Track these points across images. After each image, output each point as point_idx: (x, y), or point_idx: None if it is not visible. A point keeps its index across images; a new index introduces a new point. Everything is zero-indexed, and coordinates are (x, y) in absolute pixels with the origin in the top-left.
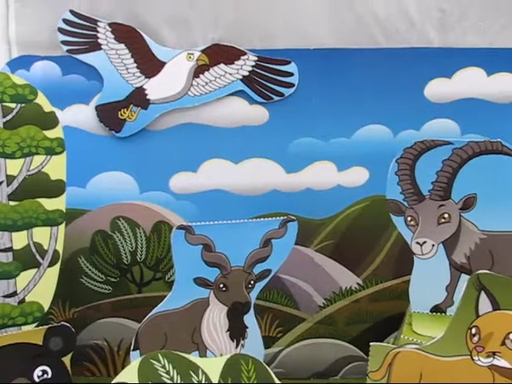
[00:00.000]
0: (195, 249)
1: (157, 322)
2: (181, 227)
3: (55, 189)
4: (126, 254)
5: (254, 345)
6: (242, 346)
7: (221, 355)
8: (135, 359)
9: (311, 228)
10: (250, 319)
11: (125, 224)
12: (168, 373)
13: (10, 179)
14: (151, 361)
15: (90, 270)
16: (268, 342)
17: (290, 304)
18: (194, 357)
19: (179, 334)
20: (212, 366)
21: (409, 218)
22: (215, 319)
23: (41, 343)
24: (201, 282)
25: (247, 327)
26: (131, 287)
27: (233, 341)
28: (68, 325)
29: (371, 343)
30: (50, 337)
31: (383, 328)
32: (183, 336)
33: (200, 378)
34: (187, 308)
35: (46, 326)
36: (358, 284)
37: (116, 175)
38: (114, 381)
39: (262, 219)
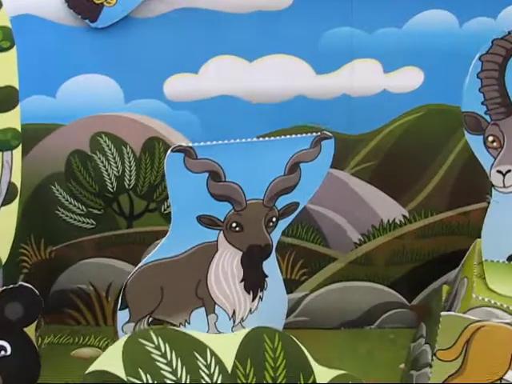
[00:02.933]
0: (198, 178)
1: (150, 274)
2: (178, 149)
3: (4, 100)
4: (110, 179)
5: (274, 297)
6: (260, 298)
7: (233, 311)
8: (124, 320)
9: (347, 146)
10: (270, 265)
11: (108, 142)
12: (164, 356)
13: None
14: (141, 341)
15: (66, 200)
16: (290, 285)
17: (317, 240)
18: (200, 333)
19: (179, 288)
20: (225, 343)
21: (490, 138)
22: (226, 267)
23: None
24: (207, 221)
25: (267, 276)
26: (119, 221)
27: (248, 293)
28: (29, 285)
29: (442, 313)
30: (5, 303)
31: (432, 269)
32: (184, 289)
33: (209, 360)
34: (189, 254)
35: None
36: (404, 216)
37: (94, 79)
38: (90, 368)
39: (288, 137)
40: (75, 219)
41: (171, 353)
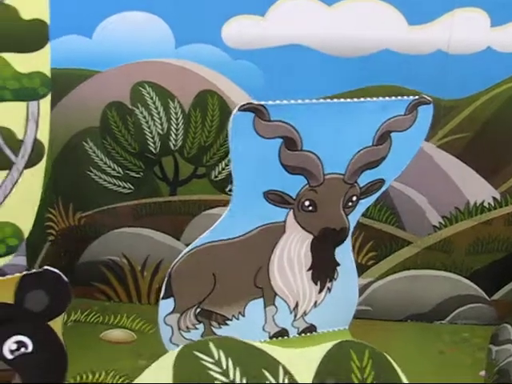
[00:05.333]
0: (269, 144)
1: (201, 259)
2: (247, 108)
3: (31, 37)
4: (153, 138)
5: (344, 290)
6: (329, 290)
7: (296, 303)
8: (167, 311)
9: (437, 112)
10: (343, 252)
11: (152, 93)
12: (225, 373)
13: None
14: (197, 354)
15: (100, 159)
16: None
17: (391, 221)
18: (272, 347)
19: (235, 275)
20: (301, 361)
21: None
22: (292, 253)
23: (12, 301)
24: (275, 197)
25: (338, 264)
26: (161, 186)
27: (316, 283)
28: (56, 270)
29: None
30: (25, 290)
31: None
32: (241, 277)
33: (281, 379)
34: (249, 237)
35: (19, 274)
36: (494, 199)
37: (138, 18)
38: (135, 381)
39: (380, 99)
40: (110, 182)
41: (234, 370)
